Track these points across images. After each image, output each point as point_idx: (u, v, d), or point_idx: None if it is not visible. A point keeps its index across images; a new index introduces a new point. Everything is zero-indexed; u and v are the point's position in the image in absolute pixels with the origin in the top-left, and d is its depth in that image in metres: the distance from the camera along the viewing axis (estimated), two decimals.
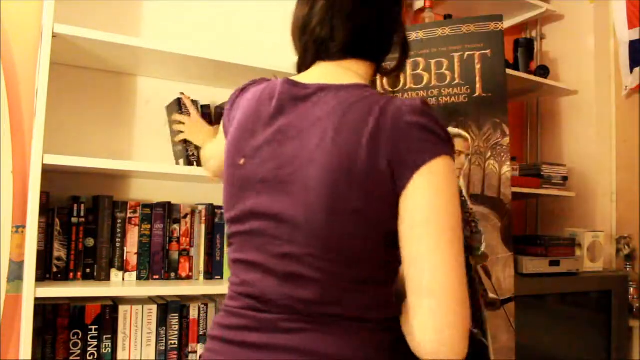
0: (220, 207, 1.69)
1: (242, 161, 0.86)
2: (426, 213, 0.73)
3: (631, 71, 2.41)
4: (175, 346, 1.56)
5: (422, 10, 2.19)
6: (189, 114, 1.61)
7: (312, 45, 0.88)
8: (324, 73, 0.88)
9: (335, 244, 0.77)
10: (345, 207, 0.76)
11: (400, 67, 0.94)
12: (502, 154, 1.65)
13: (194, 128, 1.59)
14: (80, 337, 1.45)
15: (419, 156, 0.74)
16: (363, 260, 0.79)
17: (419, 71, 1.76)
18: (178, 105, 1.64)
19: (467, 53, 1.72)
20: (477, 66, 1.70)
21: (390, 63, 0.95)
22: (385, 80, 1.80)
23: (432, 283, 0.71)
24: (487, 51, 1.70)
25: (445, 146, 0.76)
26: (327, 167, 0.77)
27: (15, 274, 1.52)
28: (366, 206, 0.76)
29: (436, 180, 0.74)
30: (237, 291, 0.86)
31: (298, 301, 0.79)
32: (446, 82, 1.72)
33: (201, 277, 1.66)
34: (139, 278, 1.58)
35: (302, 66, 0.92)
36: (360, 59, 0.89)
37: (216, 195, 1.82)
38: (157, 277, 1.60)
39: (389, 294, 0.83)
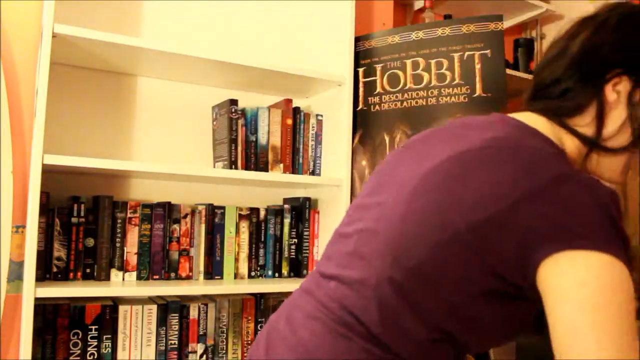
0: (220, 207, 1.69)
1: None
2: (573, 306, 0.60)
3: None
4: (175, 346, 1.56)
5: (422, 10, 2.19)
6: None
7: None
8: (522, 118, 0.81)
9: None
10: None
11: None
12: None
13: None
14: (80, 337, 1.45)
15: (577, 238, 0.61)
16: None
17: (419, 71, 1.76)
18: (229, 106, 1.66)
19: (467, 53, 1.72)
20: (477, 66, 1.70)
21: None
22: (385, 80, 1.80)
23: None
24: (487, 51, 1.70)
25: (622, 247, 0.61)
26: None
27: (15, 274, 1.52)
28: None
29: (598, 279, 0.60)
30: None
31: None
32: (446, 82, 1.72)
33: (201, 277, 1.66)
34: (139, 278, 1.58)
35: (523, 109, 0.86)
36: (537, 113, 0.81)
37: (216, 195, 1.82)
38: (157, 277, 1.60)
39: None
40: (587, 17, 0.80)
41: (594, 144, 0.77)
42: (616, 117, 0.76)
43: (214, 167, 1.77)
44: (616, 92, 0.75)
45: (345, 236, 0.80)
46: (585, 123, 0.77)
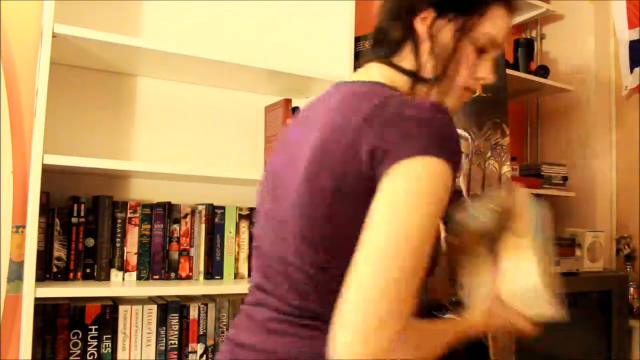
0: (220, 207, 1.69)
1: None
2: (386, 209, 0.67)
3: (631, 71, 2.41)
4: (175, 346, 1.56)
5: None
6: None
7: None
8: (361, 71, 0.89)
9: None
10: (318, 186, 0.73)
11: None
12: (502, 154, 1.65)
13: None
14: (80, 337, 1.45)
15: (404, 149, 0.68)
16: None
17: None
18: None
19: None
20: None
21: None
22: None
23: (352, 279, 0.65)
24: None
25: (442, 147, 0.68)
26: (308, 155, 0.76)
27: (15, 274, 1.52)
28: (340, 185, 0.72)
29: (412, 181, 0.67)
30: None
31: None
32: None
33: (201, 277, 1.66)
34: (139, 278, 1.58)
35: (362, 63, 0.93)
36: (378, 62, 0.88)
37: (216, 195, 1.82)
38: (157, 277, 1.60)
39: None
40: None
41: (413, 76, 0.83)
42: (426, 48, 0.83)
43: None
44: (425, 24, 0.82)
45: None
46: (405, 58, 0.85)
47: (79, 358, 1.44)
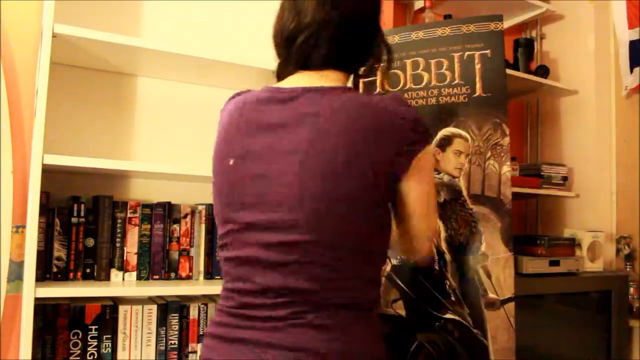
0: None
1: (231, 162, 0.91)
2: (424, 180, 0.94)
3: (631, 71, 2.41)
4: (175, 346, 1.56)
5: (422, 10, 2.19)
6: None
7: (296, 56, 0.99)
8: (305, 80, 0.96)
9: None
10: (340, 191, 0.85)
11: (372, 73, 1.09)
12: (502, 154, 1.65)
13: None
14: (80, 337, 1.45)
15: (419, 145, 0.91)
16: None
17: (419, 71, 1.76)
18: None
19: (467, 53, 1.72)
20: (477, 66, 1.70)
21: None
22: (385, 79, 1.80)
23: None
24: (487, 51, 1.70)
25: (430, 136, 0.95)
26: (323, 157, 0.84)
27: (15, 274, 1.52)
28: (360, 189, 0.86)
29: (430, 158, 0.96)
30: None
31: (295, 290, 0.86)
32: (446, 82, 1.72)
33: (201, 277, 1.66)
34: (139, 278, 1.58)
35: (283, 73, 1.03)
36: (337, 70, 0.98)
37: None
38: (157, 277, 1.60)
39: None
40: None
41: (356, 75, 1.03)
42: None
43: None
44: None
45: None
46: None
47: (79, 358, 1.44)
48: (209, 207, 1.68)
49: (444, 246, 1.64)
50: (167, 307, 1.56)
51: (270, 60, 1.71)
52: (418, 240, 0.99)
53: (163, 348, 1.54)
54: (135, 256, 1.58)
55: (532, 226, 2.60)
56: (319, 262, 0.84)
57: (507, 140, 1.65)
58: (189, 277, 1.64)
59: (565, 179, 2.32)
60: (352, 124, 0.86)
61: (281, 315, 0.84)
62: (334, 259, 0.85)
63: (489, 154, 1.66)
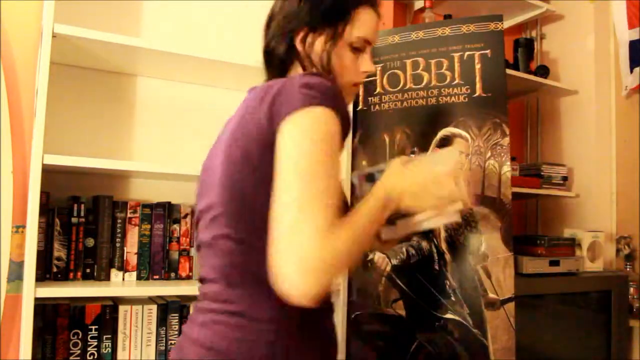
0: None
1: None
2: (290, 153, 0.77)
3: (631, 71, 2.41)
4: None
5: (422, 10, 2.19)
6: None
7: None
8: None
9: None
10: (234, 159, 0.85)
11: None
12: (502, 154, 1.65)
13: None
14: (80, 337, 1.45)
15: (291, 105, 0.80)
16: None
17: (419, 71, 1.76)
18: None
19: (467, 53, 1.72)
20: (477, 66, 1.70)
21: None
22: (385, 80, 1.80)
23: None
24: (487, 51, 1.70)
25: (323, 99, 0.80)
26: (230, 135, 0.88)
27: (15, 274, 1.52)
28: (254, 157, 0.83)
29: (305, 124, 0.79)
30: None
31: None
32: (446, 82, 1.72)
33: None
34: (139, 278, 1.58)
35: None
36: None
37: None
38: (157, 277, 1.60)
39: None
40: None
41: None
42: (309, 63, 0.94)
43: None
44: (302, 43, 0.94)
45: None
46: (298, 70, 0.96)
47: (79, 358, 1.44)
48: None
49: (444, 246, 1.64)
50: (167, 307, 1.56)
51: None
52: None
53: (163, 348, 1.54)
54: (135, 256, 1.58)
55: (532, 226, 2.60)
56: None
57: (507, 140, 1.65)
58: (189, 277, 1.64)
59: (565, 179, 2.32)
60: (255, 101, 0.89)
61: None
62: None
63: (489, 154, 1.66)
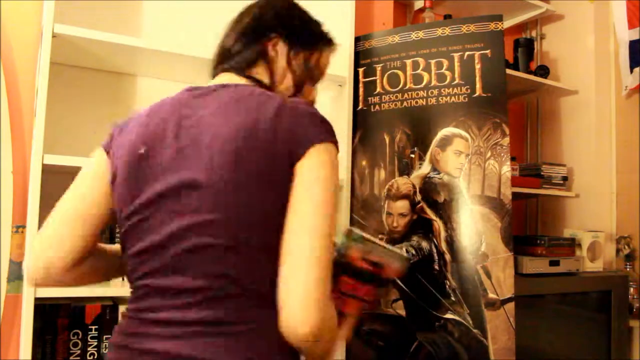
0: None
1: (142, 149, 0.91)
2: (312, 185, 0.83)
3: (631, 71, 2.41)
4: None
5: (422, 10, 2.19)
6: None
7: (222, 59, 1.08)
8: (226, 79, 1.03)
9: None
10: (248, 169, 0.83)
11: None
12: (502, 154, 1.65)
13: None
14: (80, 337, 1.45)
15: (316, 137, 0.85)
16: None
17: (419, 71, 1.76)
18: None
19: (467, 53, 1.72)
20: (477, 66, 1.70)
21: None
22: (385, 80, 1.80)
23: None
24: (487, 51, 1.70)
25: (334, 135, 0.89)
26: (229, 138, 0.84)
27: (15, 274, 1.52)
28: (267, 171, 0.83)
29: (326, 160, 0.85)
30: None
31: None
32: (446, 82, 1.72)
33: None
34: None
35: (213, 75, 1.10)
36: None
37: None
38: None
39: None
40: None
41: (269, 89, 0.98)
42: (279, 68, 1.01)
43: None
44: (275, 50, 1.01)
45: None
46: (262, 73, 1.01)
47: (79, 358, 1.44)
48: None
49: (443, 246, 1.64)
50: None
51: None
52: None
53: None
54: None
55: (532, 226, 2.60)
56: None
57: (507, 140, 1.65)
58: None
59: (565, 179, 2.32)
60: (255, 112, 0.91)
61: None
62: None
63: (489, 154, 1.66)
